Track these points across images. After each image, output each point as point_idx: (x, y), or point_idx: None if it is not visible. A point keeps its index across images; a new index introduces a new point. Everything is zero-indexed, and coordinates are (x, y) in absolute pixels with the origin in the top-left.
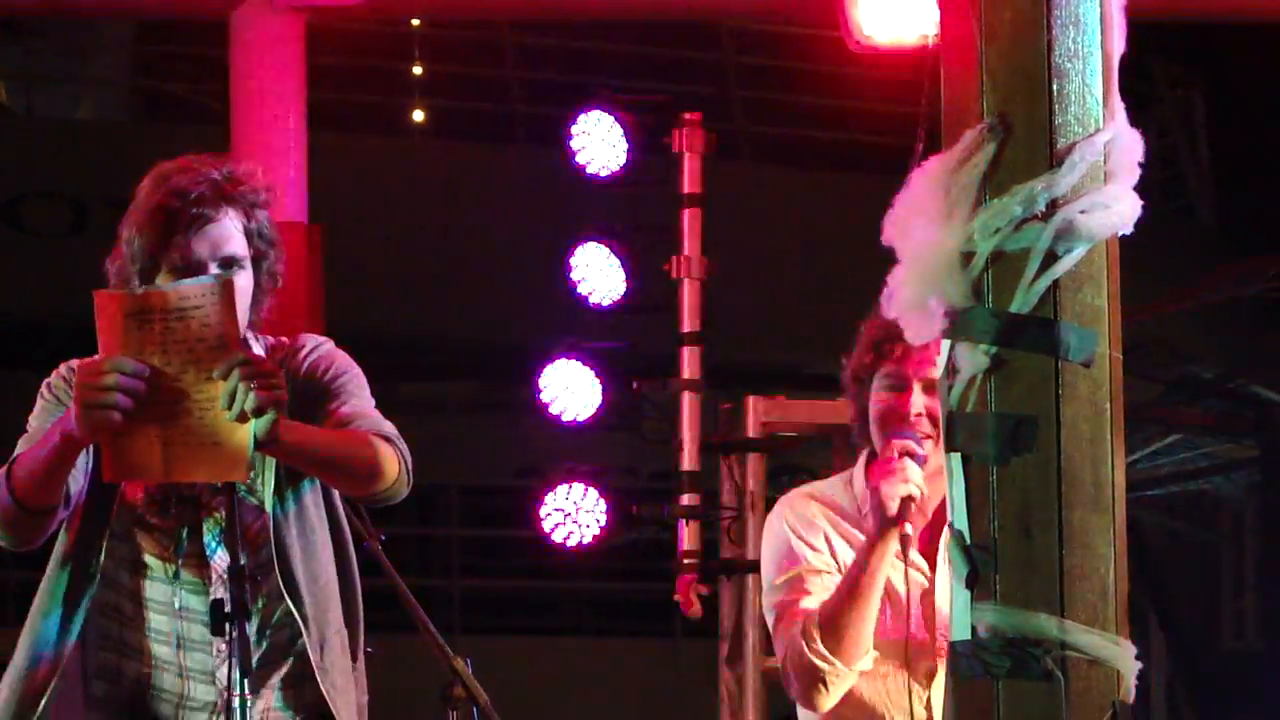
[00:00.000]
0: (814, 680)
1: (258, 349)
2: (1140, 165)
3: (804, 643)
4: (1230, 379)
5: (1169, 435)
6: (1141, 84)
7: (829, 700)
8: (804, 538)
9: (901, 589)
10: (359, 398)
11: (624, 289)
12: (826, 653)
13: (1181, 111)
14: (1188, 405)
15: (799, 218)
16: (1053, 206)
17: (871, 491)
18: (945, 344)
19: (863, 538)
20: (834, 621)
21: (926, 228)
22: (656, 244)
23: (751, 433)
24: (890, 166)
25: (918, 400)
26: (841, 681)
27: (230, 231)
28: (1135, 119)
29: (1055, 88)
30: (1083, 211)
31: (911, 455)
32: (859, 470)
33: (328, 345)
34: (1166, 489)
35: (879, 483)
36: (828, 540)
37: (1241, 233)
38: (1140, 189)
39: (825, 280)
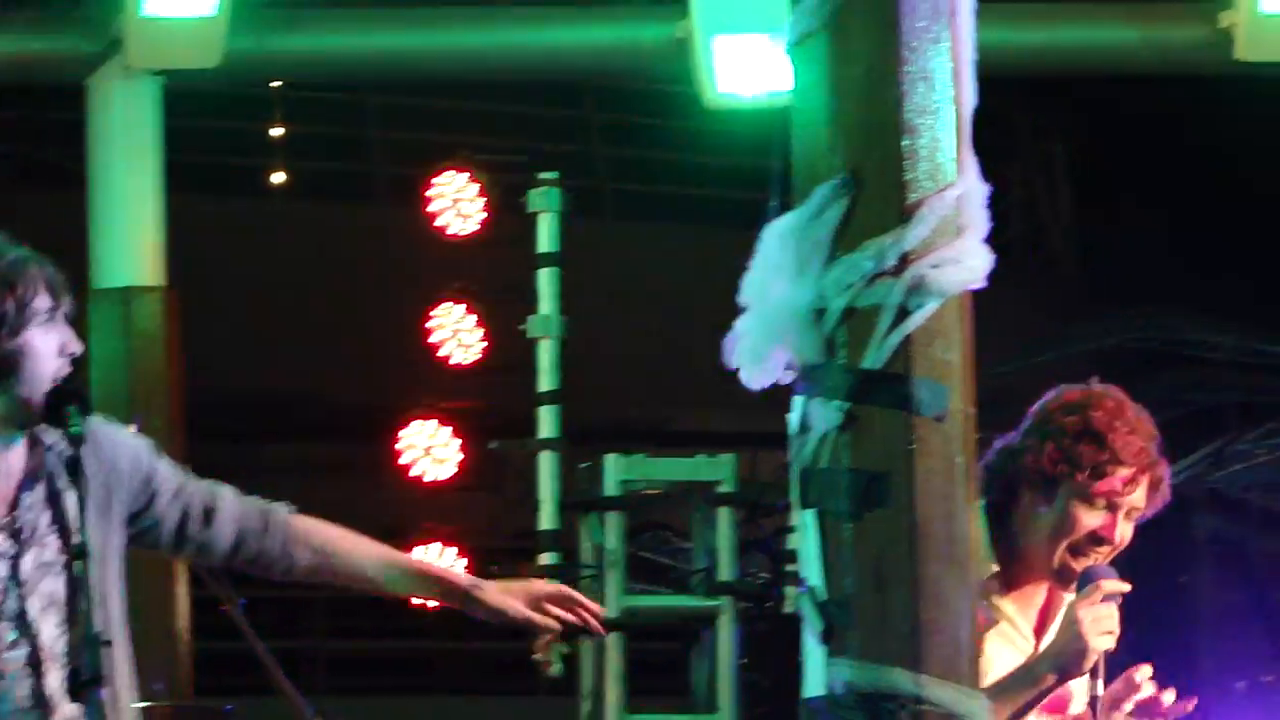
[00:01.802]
0: None
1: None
2: (1002, 217)
3: None
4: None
5: None
6: (1003, 137)
7: None
8: None
9: None
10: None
11: (482, 349)
12: None
13: (1043, 163)
14: None
15: (660, 274)
16: (904, 261)
17: (1072, 623)
18: (799, 399)
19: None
20: None
21: (779, 284)
22: (514, 304)
23: (610, 491)
24: (750, 221)
25: (1123, 529)
26: None
27: None
28: (997, 171)
29: (906, 143)
30: (934, 266)
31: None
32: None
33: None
34: None
35: (1087, 616)
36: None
37: (1103, 284)
38: (1002, 242)
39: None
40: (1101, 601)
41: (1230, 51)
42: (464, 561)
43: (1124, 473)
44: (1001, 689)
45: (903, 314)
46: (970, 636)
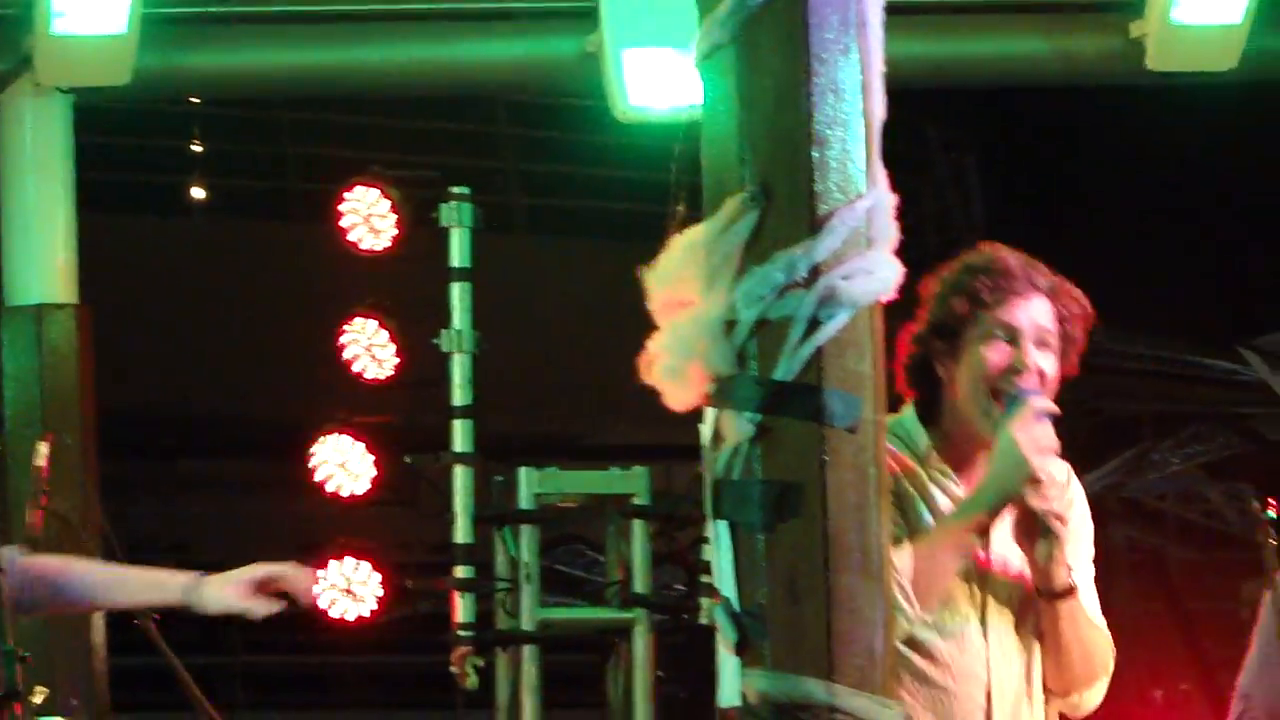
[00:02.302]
0: None
1: None
2: (916, 229)
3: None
4: None
5: None
6: (915, 148)
7: None
8: None
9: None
10: None
11: (395, 364)
12: (909, 591)
13: (955, 174)
14: None
15: (573, 288)
16: (815, 273)
17: (1009, 444)
18: (711, 411)
19: (932, 486)
20: (927, 567)
21: (688, 296)
22: (427, 318)
23: (524, 504)
24: (662, 235)
25: (1039, 358)
26: (900, 631)
27: None
28: (909, 183)
29: (816, 155)
30: (845, 278)
31: (1052, 417)
32: (913, 418)
33: None
34: None
35: (1021, 437)
36: (894, 477)
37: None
38: (915, 254)
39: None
40: (1035, 420)
41: (1142, 61)
42: (379, 576)
43: (1018, 300)
44: (943, 524)
45: (814, 325)
46: (885, 646)
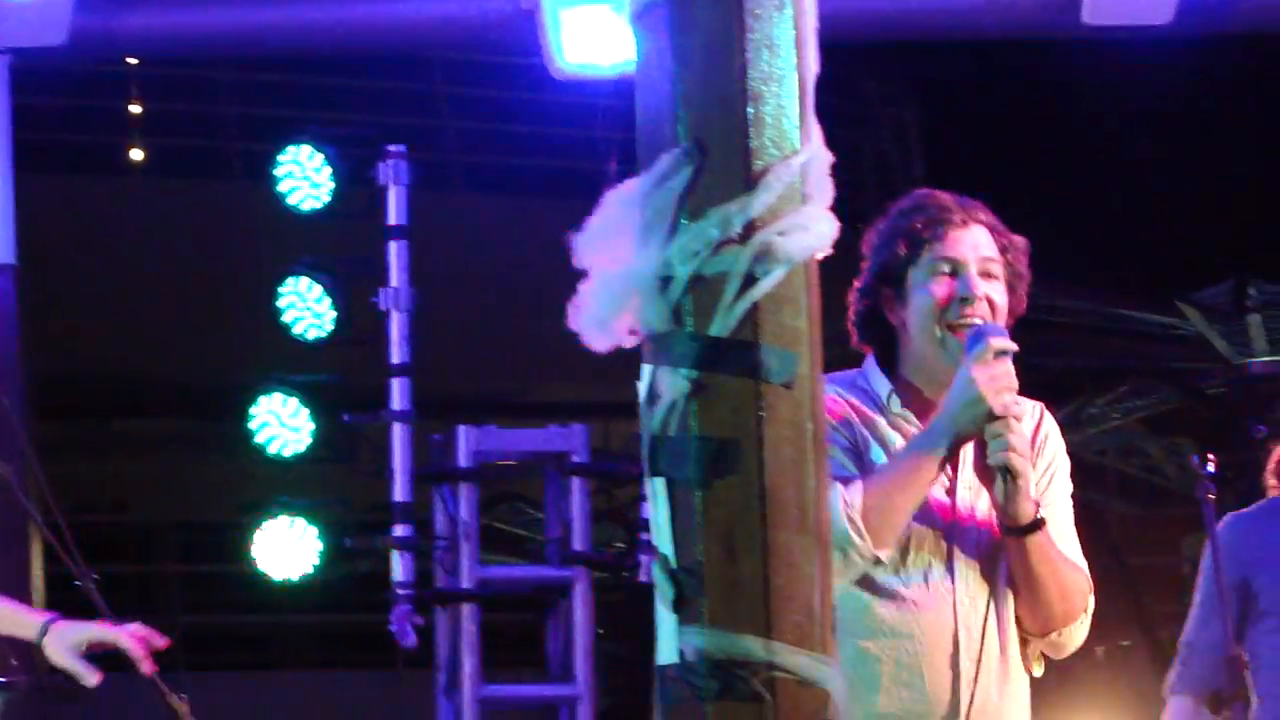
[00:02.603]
0: (840, 551)
1: None
2: (856, 185)
3: (843, 505)
4: None
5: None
6: (855, 104)
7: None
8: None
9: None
10: None
11: (333, 322)
12: (861, 526)
13: (895, 130)
14: None
15: (510, 246)
16: (750, 229)
17: (968, 382)
18: (647, 368)
19: (892, 432)
20: (880, 502)
21: (622, 251)
22: (365, 277)
23: (463, 462)
24: (599, 191)
25: (987, 287)
26: (855, 568)
27: None
28: (850, 138)
29: (750, 111)
30: (780, 234)
31: (1008, 354)
32: (873, 367)
33: None
34: None
35: (979, 374)
36: (849, 424)
37: None
38: (855, 208)
39: (537, 308)
40: (994, 359)
41: (1078, 15)
42: (317, 535)
43: (957, 232)
44: (895, 458)
45: (750, 281)
46: (822, 602)
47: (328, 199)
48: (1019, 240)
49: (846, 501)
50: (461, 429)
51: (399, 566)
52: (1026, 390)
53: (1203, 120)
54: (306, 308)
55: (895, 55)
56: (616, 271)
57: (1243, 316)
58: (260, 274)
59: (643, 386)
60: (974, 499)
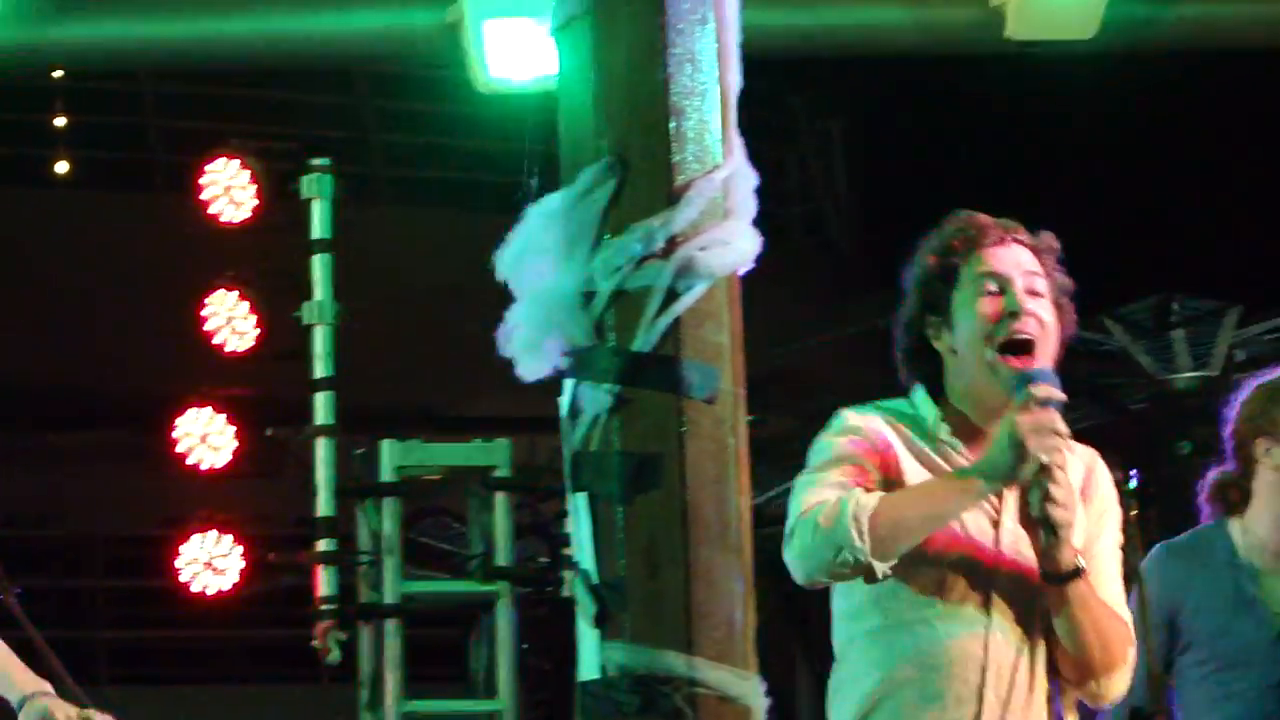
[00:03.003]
0: (836, 548)
1: None
2: (780, 199)
3: (852, 505)
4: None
5: None
6: (780, 118)
7: (825, 575)
8: (867, 433)
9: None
10: None
11: (257, 336)
12: (864, 527)
13: (820, 144)
14: None
15: (437, 259)
16: (672, 244)
17: (1010, 428)
18: (569, 383)
19: (939, 459)
20: (891, 513)
21: (544, 266)
22: (289, 290)
23: (387, 477)
24: (523, 205)
25: (1034, 304)
26: (850, 572)
27: None
28: (774, 153)
29: (673, 125)
30: (702, 249)
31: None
32: (922, 395)
33: None
34: None
35: (1023, 420)
36: (888, 449)
37: (880, 264)
38: (781, 222)
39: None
40: (1039, 406)
41: (1002, 31)
42: (241, 549)
43: (998, 248)
44: (928, 482)
45: (672, 296)
46: (744, 618)
47: (252, 212)
48: (1061, 264)
49: (858, 502)
50: (385, 443)
51: (322, 581)
52: None
53: (1127, 135)
54: (230, 321)
55: (820, 69)
56: (541, 292)
57: (1166, 333)
58: (185, 287)
59: (565, 401)
60: (1017, 542)
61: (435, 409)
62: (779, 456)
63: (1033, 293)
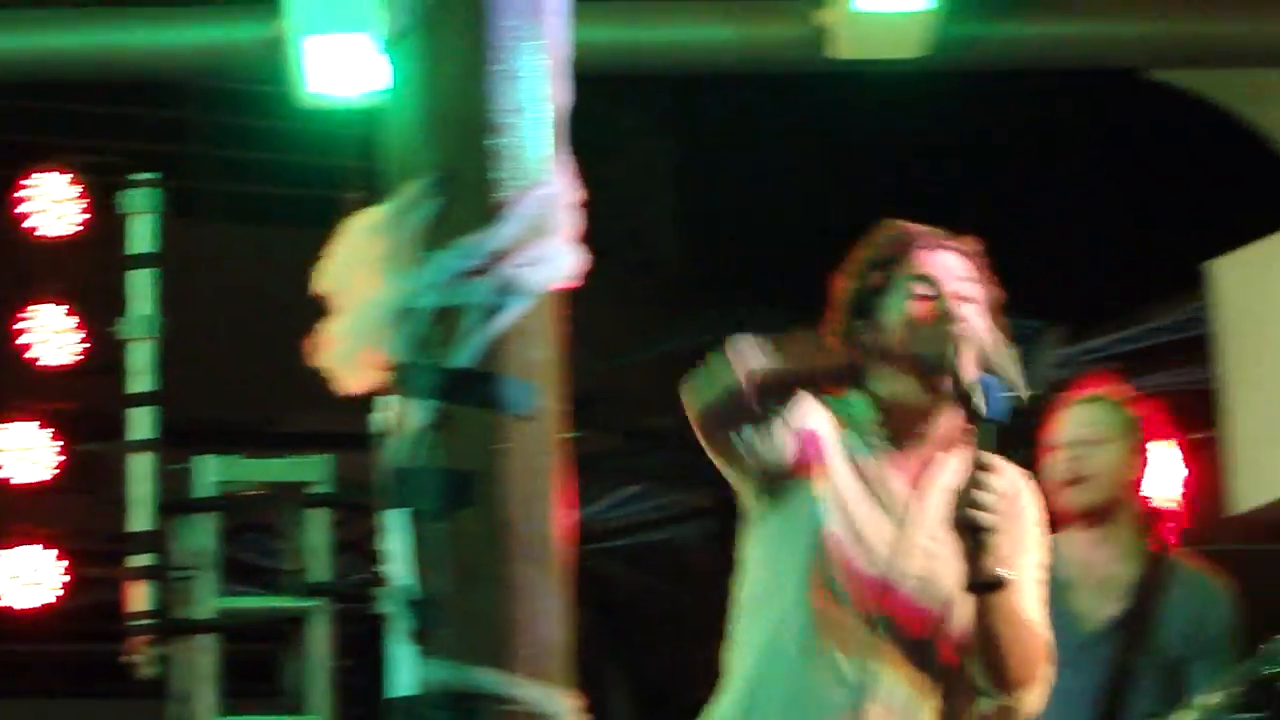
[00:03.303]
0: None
1: None
2: (605, 216)
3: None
4: (688, 428)
5: (629, 486)
6: (607, 135)
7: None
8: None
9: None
10: None
11: (79, 351)
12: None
13: (644, 161)
14: (647, 455)
15: (260, 274)
16: (494, 260)
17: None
18: (389, 399)
19: (870, 457)
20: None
21: (366, 281)
22: (113, 305)
23: (205, 492)
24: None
25: (956, 303)
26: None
27: None
28: (600, 170)
29: (497, 142)
30: (524, 265)
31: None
32: (858, 395)
33: None
34: (629, 540)
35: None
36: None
37: (704, 282)
38: (606, 239)
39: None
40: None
41: (826, 49)
42: (59, 564)
43: (928, 253)
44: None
45: (492, 313)
46: (559, 636)
47: (76, 226)
48: (991, 276)
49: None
50: (202, 459)
51: (138, 596)
52: None
53: (953, 154)
54: (52, 335)
55: (649, 87)
56: (362, 306)
57: None
58: (5, 301)
59: (385, 417)
60: (930, 571)
61: (257, 425)
62: (600, 473)
63: (964, 298)
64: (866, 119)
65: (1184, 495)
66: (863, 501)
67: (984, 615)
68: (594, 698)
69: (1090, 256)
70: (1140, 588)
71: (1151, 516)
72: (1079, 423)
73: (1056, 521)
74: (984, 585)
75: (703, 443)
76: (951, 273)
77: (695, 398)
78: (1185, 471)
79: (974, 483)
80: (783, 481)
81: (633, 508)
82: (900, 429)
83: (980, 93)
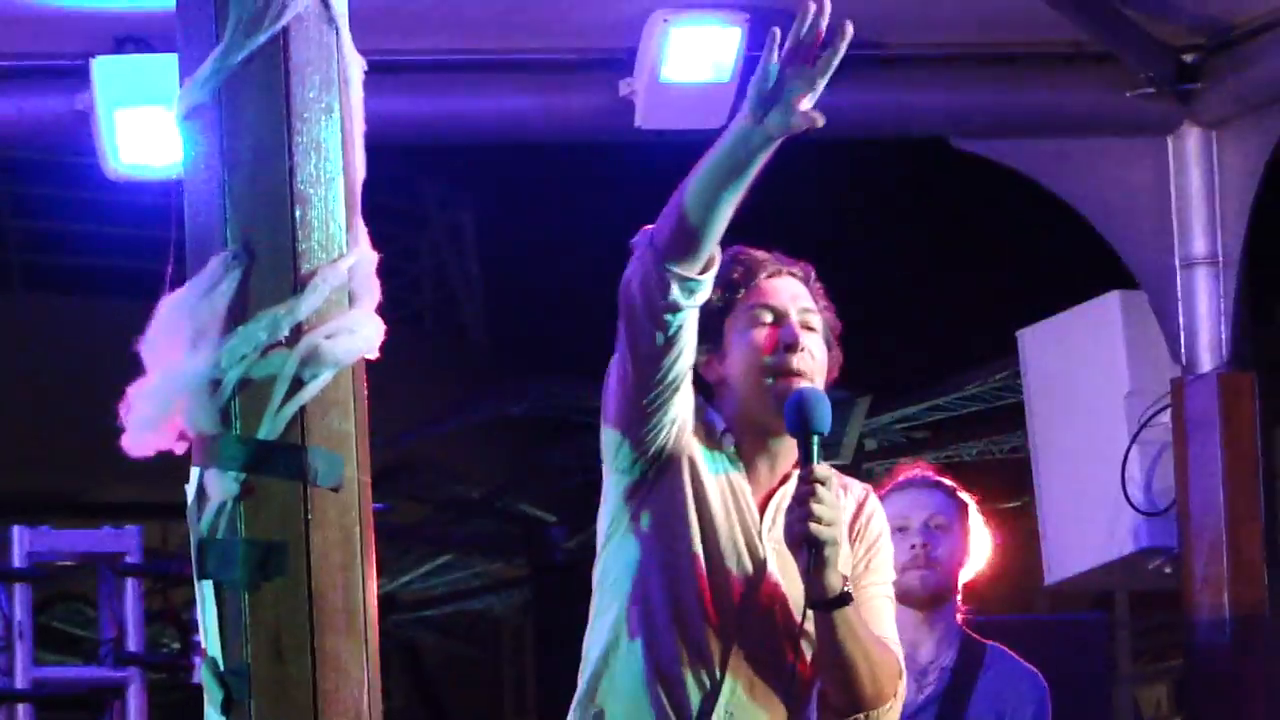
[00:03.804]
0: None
1: None
2: (412, 286)
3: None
4: (498, 497)
5: (440, 556)
6: (412, 204)
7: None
8: None
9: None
10: None
11: None
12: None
13: (451, 232)
14: (457, 525)
15: (73, 345)
16: (298, 332)
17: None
18: (195, 470)
19: (718, 465)
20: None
21: (175, 355)
22: None
23: (18, 563)
24: (157, 293)
25: (807, 338)
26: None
27: None
28: (406, 238)
29: (298, 213)
30: (328, 337)
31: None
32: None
33: None
34: (441, 610)
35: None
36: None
37: (510, 351)
38: (411, 310)
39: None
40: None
41: (632, 119)
42: None
43: (773, 280)
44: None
45: (298, 384)
46: (371, 706)
47: None
48: (830, 305)
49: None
50: (16, 529)
51: None
52: (578, 491)
53: (759, 222)
54: None
55: (452, 156)
56: (165, 374)
57: None
58: None
59: (191, 489)
60: (778, 583)
61: (69, 495)
62: (409, 542)
63: (806, 327)
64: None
65: (997, 565)
66: (722, 517)
67: (830, 632)
68: None
69: (900, 325)
70: (955, 671)
71: (968, 599)
72: (921, 506)
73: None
74: (825, 602)
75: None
76: (796, 300)
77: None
78: (993, 542)
79: (806, 496)
80: (664, 453)
81: (445, 577)
82: (751, 448)
83: (789, 161)
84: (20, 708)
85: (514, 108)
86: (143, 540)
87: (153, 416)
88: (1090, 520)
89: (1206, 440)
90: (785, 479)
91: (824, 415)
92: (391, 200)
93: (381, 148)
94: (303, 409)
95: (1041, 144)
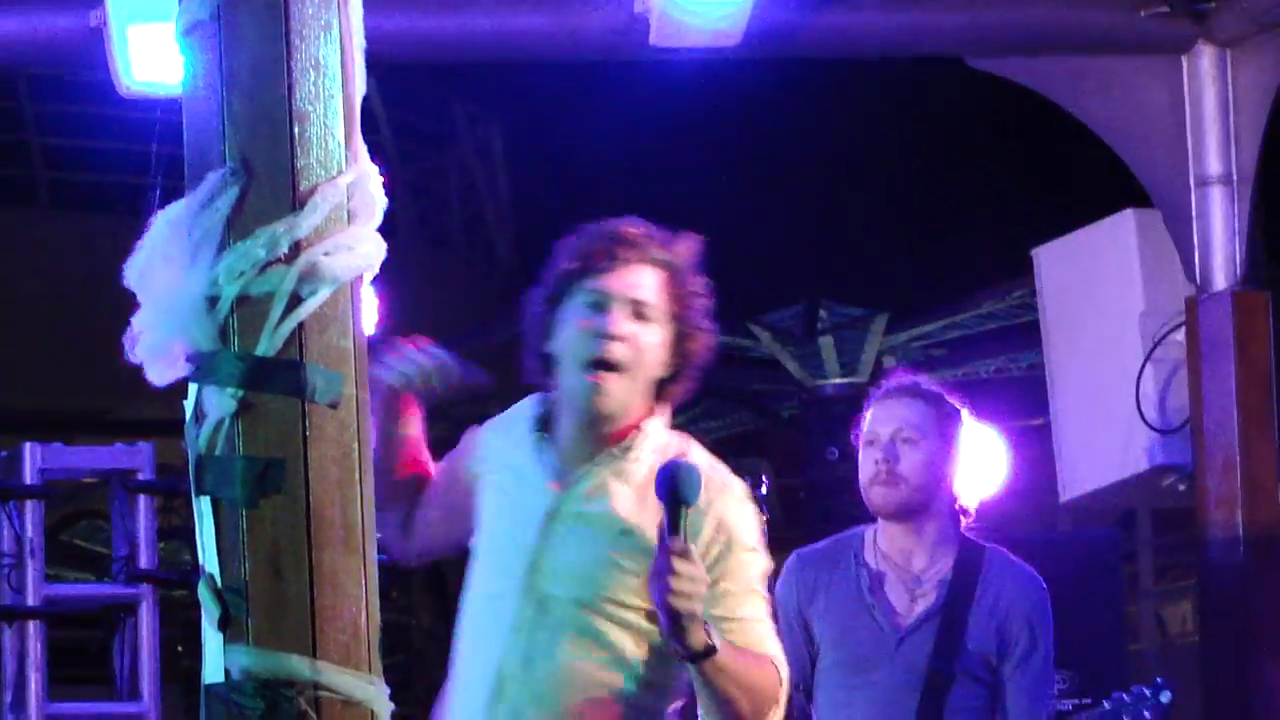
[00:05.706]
0: None
1: None
2: (442, 205)
3: None
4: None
5: None
6: (440, 124)
7: None
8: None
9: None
10: None
11: None
12: None
13: (479, 150)
14: None
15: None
16: (296, 249)
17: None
18: (194, 387)
19: (537, 453)
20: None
21: (170, 272)
22: None
23: (29, 480)
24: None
25: (624, 323)
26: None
27: None
28: (435, 159)
29: (296, 131)
30: (326, 254)
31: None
32: (539, 396)
33: None
34: None
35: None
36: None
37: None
38: (441, 227)
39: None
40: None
41: (646, 38)
42: None
43: (621, 267)
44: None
45: (296, 301)
46: (368, 622)
47: None
48: (700, 290)
49: None
50: (27, 446)
51: None
52: None
53: (775, 143)
54: None
55: (479, 76)
56: (167, 297)
57: (814, 339)
58: None
59: (189, 405)
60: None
61: (82, 412)
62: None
63: (639, 316)
64: (690, 107)
65: (1012, 483)
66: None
67: (702, 677)
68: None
69: (917, 244)
70: (953, 582)
71: (965, 509)
72: (890, 419)
73: (871, 515)
74: (695, 656)
75: None
76: (632, 290)
77: None
78: (1011, 459)
79: (664, 571)
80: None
81: None
82: (567, 428)
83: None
84: (31, 624)
85: (532, 27)
86: (163, 458)
87: (161, 342)
88: (1105, 438)
89: (1220, 359)
90: (602, 448)
91: (694, 487)
92: (418, 121)
93: (408, 67)
94: (301, 325)
95: (1056, 63)
